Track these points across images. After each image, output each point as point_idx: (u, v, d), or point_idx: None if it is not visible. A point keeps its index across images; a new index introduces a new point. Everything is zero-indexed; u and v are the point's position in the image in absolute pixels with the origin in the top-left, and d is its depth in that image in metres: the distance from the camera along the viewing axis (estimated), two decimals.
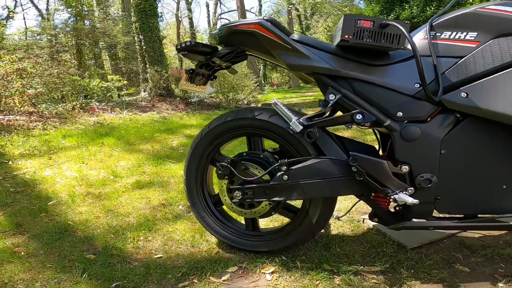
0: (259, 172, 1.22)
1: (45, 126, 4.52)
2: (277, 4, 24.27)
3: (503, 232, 1.42)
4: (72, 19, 9.15)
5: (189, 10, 21.13)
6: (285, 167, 1.12)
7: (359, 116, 1.02)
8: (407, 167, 1.01)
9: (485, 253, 1.26)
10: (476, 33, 0.95)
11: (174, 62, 16.68)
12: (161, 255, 1.44)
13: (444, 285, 1.10)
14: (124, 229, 1.70)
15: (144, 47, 7.58)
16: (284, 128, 1.17)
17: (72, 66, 6.89)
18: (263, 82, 14.48)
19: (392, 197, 0.99)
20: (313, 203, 1.21)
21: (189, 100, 7.27)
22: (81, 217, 1.87)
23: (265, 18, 1.13)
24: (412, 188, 1.02)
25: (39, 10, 16.67)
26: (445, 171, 1.00)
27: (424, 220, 1.07)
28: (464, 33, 0.97)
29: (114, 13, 12.47)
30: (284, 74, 26.16)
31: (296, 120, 1.08)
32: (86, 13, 9.41)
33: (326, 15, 20.26)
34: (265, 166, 1.23)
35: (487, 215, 1.02)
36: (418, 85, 1.00)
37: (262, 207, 1.26)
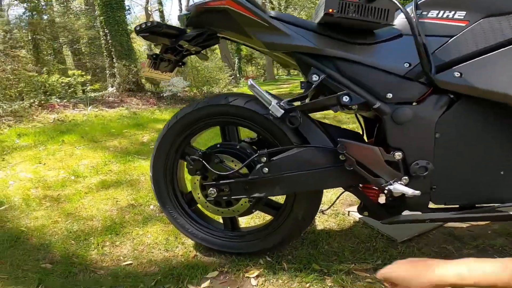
0: (235, 166, 1.09)
1: None
2: None
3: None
4: (28, 13, 8.50)
5: (160, 3, 20.23)
6: (265, 159, 1.00)
7: (346, 98, 0.92)
8: (400, 153, 0.93)
9: (476, 244, 1.23)
10: (464, 12, 0.91)
11: (144, 57, 15.97)
12: (131, 262, 1.29)
13: None
14: (87, 234, 1.52)
15: (110, 41, 7.16)
16: (263, 114, 1.04)
17: (29, 62, 6.34)
18: (238, 75, 14.28)
19: (386, 188, 0.91)
20: (297, 198, 1.10)
21: (161, 95, 6.94)
22: (36, 222, 1.66)
23: None
24: (406, 177, 0.94)
25: None
26: (441, 157, 0.93)
27: (419, 213, 1.00)
28: (452, 12, 0.92)
29: (76, 7, 11.76)
30: (259, 67, 26.03)
31: (276, 103, 0.95)
32: (44, 7, 8.75)
33: (300, 8, 20.32)
34: (242, 159, 1.10)
35: (485, 205, 0.96)
36: (408, 65, 0.93)
37: (241, 204, 1.13)
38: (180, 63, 1.26)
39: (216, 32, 1.11)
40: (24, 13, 8.54)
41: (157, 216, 1.67)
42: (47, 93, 5.95)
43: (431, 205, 1.00)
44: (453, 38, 0.91)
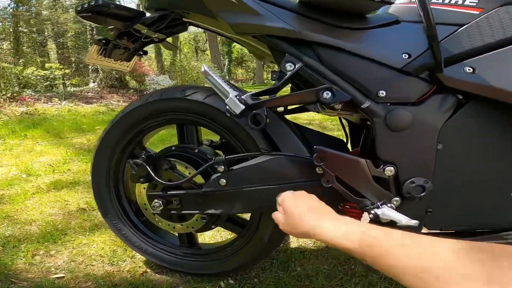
0: (189, 173, 0.88)
1: None
2: None
3: None
4: (12, 5, 8.15)
5: None
6: (222, 167, 0.79)
7: (327, 94, 0.72)
8: (392, 168, 0.74)
9: None
10: None
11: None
12: (63, 275, 1.09)
13: None
14: (19, 241, 1.31)
15: (95, 36, 6.89)
16: (225, 112, 0.84)
17: (7, 54, 6.00)
18: (227, 77, 14.11)
19: (372, 211, 0.71)
20: (264, 217, 0.90)
21: (145, 93, 6.68)
22: None
23: None
24: (398, 198, 0.75)
25: None
26: (442, 174, 0.75)
27: None
28: None
29: (66, 1, 11.43)
30: (249, 70, 26.01)
31: (236, 96, 0.74)
32: (32, 0, 8.42)
33: None
34: (199, 165, 0.88)
35: (488, 231, 0.79)
36: (407, 56, 0.74)
37: (196, 220, 0.93)
38: (141, 52, 1.06)
39: (181, 16, 0.91)
40: (9, 4, 8.21)
41: None
42: (21, 86, 5.60)
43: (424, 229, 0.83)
44: (463, 27, 0.73)
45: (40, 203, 1.68)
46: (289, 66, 0.75)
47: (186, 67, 7.08)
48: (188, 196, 0.85)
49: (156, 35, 0.97)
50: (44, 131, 3.34)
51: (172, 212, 0.88)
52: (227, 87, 0.75)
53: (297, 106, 0.99)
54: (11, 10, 8.07)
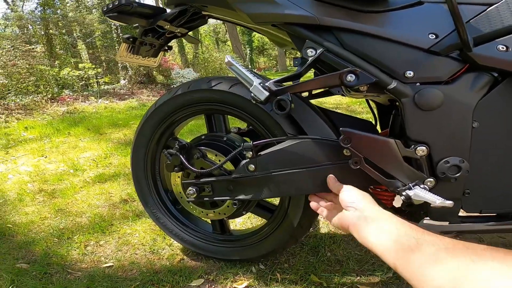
0: (219, 161, 0.92)
1: (7, 119, 4.10)
2: None
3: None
4: (40, 8, 8.63)
5: None
6: (250, 153, 0.82)
7: (351, 76, 0.71)
8: (424, 148, 0.72)
9: None
10: None
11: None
12: (112, 264, 1.18)
13: None
14: (72, 232, 1.43)
15: (121, 34, 7.14)
16: (251, 100, 0.86)
17: (41, 56, 6.43)
18: (250, 66, 14.05)
19: (404, 193, 0.70)
20: (293, 202, 0.92)
21: (172, 86, 6.88)
22: (25, 218, 1.59)
23: None
24: (432, 179, 0.73)
25: (7, 2, 15.53)
26: (479, 153, 0.72)
27: (447, 223, 0.79)
28: None
29: (88, 1, 11.88)
30: (271, 58, 25.63)
31: (259, 83, 0.76)
32: (57, 2, 8.85)
33: None
34: (228, 153, 0.92)
35: None
36: (434, 36, 0.71)
37: (228, 206, 0.97)
38: (166, 47, 1.10)
39: (200, 10, 0.94)
40: (36, 8, 8.69)
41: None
42: (60, 86, 6.00)
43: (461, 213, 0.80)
44: (493, 7, 0.71)
45: (88, 196, 1.83)
46: (310, 52, 0.75)
47: (209, 59, 7.15)
48: (219, 183, 0.89)
49: (179, 29, 1.00)
50: (85, 128, 3.59)
51: (205, 199, 0.93)
52: (250, 75, 0.77)
53: (322, 90, 0.99)
54: (39, 13, 8.52)
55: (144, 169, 1.09)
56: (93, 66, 6.80)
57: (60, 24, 8.43)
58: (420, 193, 0.67)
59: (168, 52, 1.20)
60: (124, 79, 7.42)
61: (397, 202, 0.89)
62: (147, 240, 1.32)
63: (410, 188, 0.70)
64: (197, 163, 0.93)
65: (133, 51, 1.03)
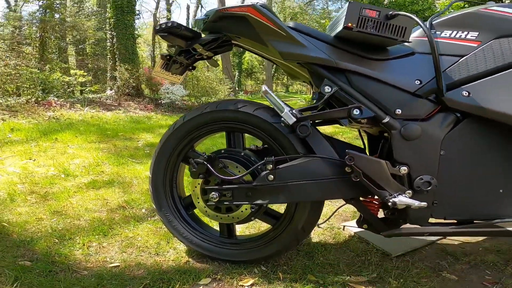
0: (239, 172, 1.07)
1: None
2: None
3: (482, 238, 1.40)
4: (41, 11, 8.57)
5: (169, 10, 20.59)
6: (271, 166, 0.99)
7: (356, 111, 0.93)
8: (405, 168, 0.94)
9: (468, 260, 1.22)
10: (477, 33, 0.94)
11: (146, 63, 16.08)
12: (118, 264, 1.23)
13: None
14: (73, 234, 1.46)
15: (115, 44, 7.22)
16: (271, 123, 1.04)
17: (32, 59, 6.32)
18: (237, 88, 14.42)
19: (391, 200, 0.90)
20: (299, 208, 1.08)
21: (159, 102, 6.94)
22: (19, 218, 1.59)
23: (258, 3, 1.01)
24: (410, 191, 0.94)
25: (8, 2, 15.17)
26: (444, 173, 0.94)
27: (419, 226, 0.99)
28: (465, 33, 0.95)
29: (88, 8, 11.94)
30: (258, 82, 26.42)
31: (289, 111, 0.96)
32: (58, 6, 8.85)
33: None
34: (246, 166, 1.09)
35: (483, 221, 0.96)
36: (419, 82, 0.95)
37: (242, 211, 1.11)
38: (191, 67, 1.26)
39: (231, 38, 1.12)
40: (38, 10, 8.58)
41: (148, 219, 1.62)
42: (46, 91, 5.89)
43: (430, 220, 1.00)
44: (464, 58, 0.93)
45: (83, 200, 1.85)
46: (327, 89, 0.96)
47: (199, 77, 7.35)
48: (240, 189, 1.04)
49: (207, 53, 1.17)
50: (72, 135, 3.57)
51: (224, 203, 1.07)
52: (282, 104, 0.96)
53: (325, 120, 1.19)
54: (39, 15, 8.41)
55: (164, 176, 1.21)
56: (85, 73, 6.76)
57: (57, 28, 8.35)
58: (403, 199, 0.89)
59: (192, 71, 1.36)
60: (111, 89, 7.39)
61: (380, 213, 1.08)
62: (151, 243, 1.39)
63: (395, 197, 0.91)
64: (219, 172, 1.07)
65: (166, 67, 1.18)
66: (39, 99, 5.24)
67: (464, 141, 0.93)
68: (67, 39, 9.65)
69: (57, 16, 8.89)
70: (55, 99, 5.61)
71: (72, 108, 5.35)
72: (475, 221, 0.97)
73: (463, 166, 0.95)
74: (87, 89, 7.20)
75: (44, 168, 2.43)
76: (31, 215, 1.63)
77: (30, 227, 1.51)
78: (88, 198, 1.89)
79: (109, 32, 7.40)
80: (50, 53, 8.78)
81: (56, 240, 1.40)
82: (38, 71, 5.63)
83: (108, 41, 7.57)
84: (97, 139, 3.52)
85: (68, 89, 6.35)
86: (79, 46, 10.49)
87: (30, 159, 2.64)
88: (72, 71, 6.32)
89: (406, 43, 1.00)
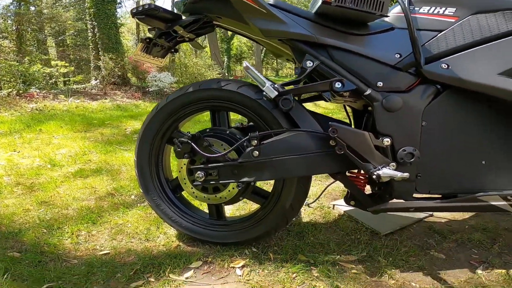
0: (225, 149, 1.06)
1: None
2: None
3: (468, 216, 1.43)
4: (15, 4, 8.21)
5: None
6: (255, 142, 0.98)
7: (338, 84, 0.92)
8: (388, 139, 0.94)
9: (455, 239, 1.25)
10: (454, 9, 0.95)
11: (131, 51, 15.66)
12: (108, 251, 1.23)
13: (424, 273, 1.05)
14: (61, 223, 1.44)
15: (97, 34, 7.00)
16: (255, 99, 1.02)
17: (10, 52, 6.09)
18: (226, 74, 14.24)
19: (375, 173, 0.90)
20: (286, 185, 1.08)
21: (147, 90, 6.79)
22: (6, 210, 1.57)
23: None
24: (394, 163, 0.95)
25: None
26: (426, 145, 0.95)
27: (404, 201, 1.00)
28: (443, 8, 0.97)
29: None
30: None
31: (271, 85, 0.95)
32: None
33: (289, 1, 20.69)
34: (231, 143, 1.07)
35: (467, 194, 0.98)
36: (399, 56, 0.96)
37: (229, 190, 1.10)
38: (173, 50, 1.23)
39: (212, 19, 1.09)
40: (11, 3, 8.23)
41: (138, 206, 1.61)
42: (27, 83, 5.71)
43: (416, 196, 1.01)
44: (442, 33, 0.95)
45: (70, 190, 1.83)
46: (309, 63, 0.95)
47: (188, 64, 7.21)
48: (225, 167, 1.03)
49: (188, 35, 1.14)
50: (57, 126, 3.48)
51: (211, 182, 1.05)
52: (263, 78, 0.94)
53: (311, 96, 1.18)
54: (14, 8, 8.11)
55: (149, 158, 1.18)
56: (66, 64, 6.54)
57: (34, 21, 8.05)
58: (387, 171, 0.90)
59: (174, 54, 1.32)
60: (95, 79, 7.19)
61: (368, 189, 1.09)
62: (141, 229, 1.38)
63: (379, 169, 0.91)
64: (205, 150, 1.05)
65: (147, 50, 1.14)
66: (20, 91, 5.07)
67: (444, 112, 0.94)
68: (45, 31, 9.30)
69: (32, 8, 8.53)
70: (37, 90, 5.44)
71: (55, 99, 5.21)
72: (459, 195, 0.98)
73: (444, 137, 0.96)
74: (70, 80, 7.00)
75: (29, 160, 2.38)
76: (18, 207, 1.60)
77: (17, 218, 1.49)
78: (76, 187, 1.87)
79: (90, 22, 7.16)
80: (28, 45, 8.49)
81: (45, 230, 1.39)
82: (17, 63, 5.44)
83: (89, 31, 7.32)
84: (83, 129, 3.44)
85: (51, 80, 6.15)
86: (59, 38, 10.14)
87: (15, 151, 2.58)
88: (53, 62, 6.10)
89: (386, 19, 0.99)
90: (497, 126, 0.94)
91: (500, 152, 0.94)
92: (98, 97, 5.90)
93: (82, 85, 6.89)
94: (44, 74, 5.91)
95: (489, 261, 1.10)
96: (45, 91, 5.55)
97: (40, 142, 2.89)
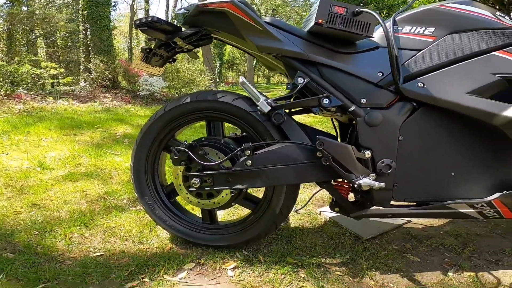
0: (219, 158, 1.13)
1: None
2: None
3: (443, 222, 1.54)
4: (8, 4, 8.08)
5: (147, 2, 19.87)
6: (249, 152, 1.05)
7: (326, 100, 1.01)
8: (369, 152, 1.03)
9: (430, 243, 1.34)
10: (433, 29, 1.03)
11: (123, 54, 15.53)
12: (102, 253, 1.26)
13: (401, 275, 1.13)
14: (53, 226, 1.46)
15: (89, 36, 6.97)
16: (249, 111, 1.10)
17: (0, 52, 5.97)
18: (218, 79, 14.29)
19: (356, 182, 0.99)
20: (276, 192, 1.15)
21: (137, 93, 6.78)
22: None
23: None
24: (374, 174, 1.03)
25: None
26: (403, 157, 1.04)
27: (383, 208, 1.09)
28: (423, 28, 1.04)
29: (60, 1, 11.35)
30: (239, 73, 26.36)
31: (265, 100, 1.03)
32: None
33: (286, 18, 21.08)
34: (226, 152, 1.14)
35: (438, 202, 1.07)
36: (381, 74, 1.04)
37: (222, 196, 1.16)
38: (171, 60, 1.29)
39: (210, 32, 1.16)
40: (5, 3, 8.10)
41: (130, 209, 1.64)
42: (14, 84, 5.60)
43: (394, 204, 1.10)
44: (421, 52, 1.03)
45: (61, 193, 1.84)
46: (300, 80, 1.03)
47: (180, 69, 7.24)
48: (220, 175, 1.09)
49: (187, 46, 1.21)
50: (45, 128, 3.45)
51: (205, 189, 1.12)
52: (258, 93, 1.02)
53: (301, 108, 1.27)
54: (7, 8, 7.97)
55: (145, 164, 1.24)
56: (56, 66, 6.46)
57: (25, 21, 7.92)
58: (367, 181, 0.99)
59: (172, 64, 1.39)
60: (84, 81, 7.12)
61: (351, 197, 1.18)
62: (134, 232, 1.41)
63: (360, 179, 1.00)
64: (200, 159, 1.11)
65: (146, 60, 1.20)
66: (8, 92, 4.98)
67: (419, 128, 1.03)
68: (36, 32, 9.16)
69: (25, 9, 8.42)
70: (25, 92, 5.35)
71: (43, 101, 5.14)
72: (431, 203, 1.07)
73: (419, 150, 1.05)
74: (59, 82, 6.91)
75: (18, 162, 2.37)
76: (8, 209, 1.60)
77: (8, 220, 1.49)
78: (66, 191, 1.88)
79: (82, 24, 7.13)
80: (18, 45, 8.33)
81: (37, 232, 1.40)
82: (6, 64, 5.34)
83: (81, 33, 7.28)
84: (72, 132, 3.43)
85: (39, 82, 6.06)
86: (50, 39, 9.99)
87: (3, 153, 2.56)
88: (43, 64, 6.01)
89: (372, 38, 1.08)
90: (465, 141, 1.03)
91: (467, 164, 1.04)
92: (87, 99, 5.85)
93: (71, 87, 6.81)
94: (33, 75, 5.82)
95: (460, 264, 1.19)
96: (33, 92, 5.47)
97: (28, 144, 2.86)
